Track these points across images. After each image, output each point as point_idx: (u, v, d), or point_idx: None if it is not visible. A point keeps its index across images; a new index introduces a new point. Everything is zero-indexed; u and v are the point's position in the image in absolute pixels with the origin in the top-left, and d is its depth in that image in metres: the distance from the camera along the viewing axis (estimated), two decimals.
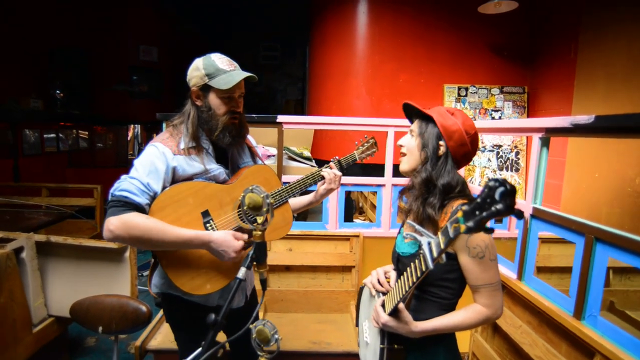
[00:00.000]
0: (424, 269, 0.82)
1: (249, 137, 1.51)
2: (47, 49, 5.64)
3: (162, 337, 2.17)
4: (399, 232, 1.21)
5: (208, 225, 1.24)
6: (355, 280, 2.58)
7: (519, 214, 0.62)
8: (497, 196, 0.60)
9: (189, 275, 1.22)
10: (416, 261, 0.88)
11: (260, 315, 2.42)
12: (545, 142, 1.64)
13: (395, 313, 1.00)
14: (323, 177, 1.43)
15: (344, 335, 2.29)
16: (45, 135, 5.64)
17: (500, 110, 3.98)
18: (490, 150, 3.99)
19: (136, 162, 1.20)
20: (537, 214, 1.65)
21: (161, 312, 2.36)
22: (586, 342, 1.30)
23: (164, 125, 2.42)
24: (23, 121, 5.03)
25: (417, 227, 0.88)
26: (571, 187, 3.26)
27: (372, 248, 2.59)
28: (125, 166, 6.97)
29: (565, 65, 3.42)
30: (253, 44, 9.05)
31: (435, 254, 0.75)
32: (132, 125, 7.00)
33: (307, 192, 1.52)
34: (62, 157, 6.09)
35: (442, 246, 0.72)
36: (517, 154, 3.95)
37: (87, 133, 6.68)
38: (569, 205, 3.23)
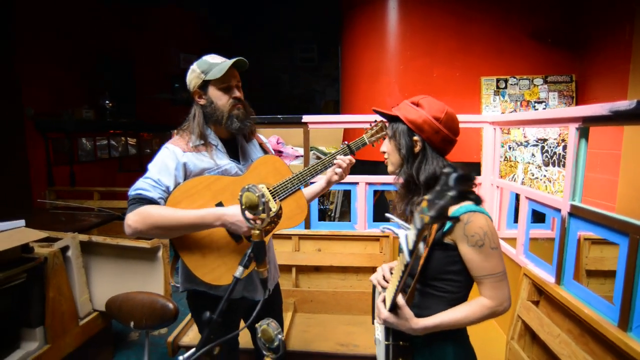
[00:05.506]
0: (405, 262, 0.79)
1: (259, 135, 1.55)
2: (95, 62, 6.08)
3: (194, 333, 2.24)
4: None
5: None
6: None
7: (477, 200, 0.65)
8: (451, 182, 0.58)
9: (210, 266, 1.25)
10: (400, 254, 0.85)
11: (289, 316, 2.43)
12: (583, 133, 1.49)
13: (394, 309, 0.97)
14: (333, 164, 1.44)
15: (373, 337, 2.23)
16: (97, 143, 6.09)
17: (545, 102, 3.69)
18: (534, 145, 3.71)
19: (149, 165, 1.28)
20: (576, 212, 1.50)
21: None
22: (633, 358, 1.16)
23: None
24: (77, 131, 5.47)
25: (397, 219, 0.87)
26: (628, 183, 2.95)
27: None
28: None
29: (619, 48, 3.10)
30: (289, 46, 9.16)
31: (411, 247, 0.69)
32: (174, 131, 7.32)
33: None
34: (114, 162, 6.55)
35: (414, 237, 0.67)
36: (564, 147, 3.64)
37: (135, 140, 7.12)
38: (626, 203, 2.92)
